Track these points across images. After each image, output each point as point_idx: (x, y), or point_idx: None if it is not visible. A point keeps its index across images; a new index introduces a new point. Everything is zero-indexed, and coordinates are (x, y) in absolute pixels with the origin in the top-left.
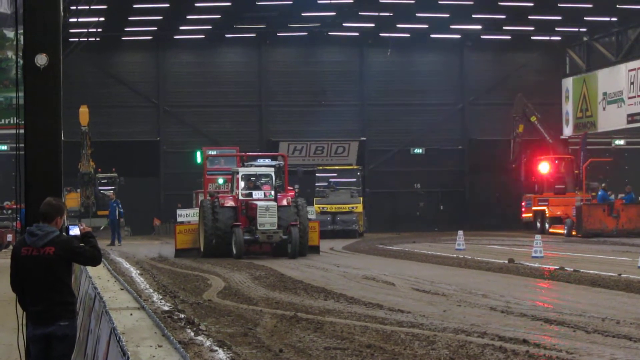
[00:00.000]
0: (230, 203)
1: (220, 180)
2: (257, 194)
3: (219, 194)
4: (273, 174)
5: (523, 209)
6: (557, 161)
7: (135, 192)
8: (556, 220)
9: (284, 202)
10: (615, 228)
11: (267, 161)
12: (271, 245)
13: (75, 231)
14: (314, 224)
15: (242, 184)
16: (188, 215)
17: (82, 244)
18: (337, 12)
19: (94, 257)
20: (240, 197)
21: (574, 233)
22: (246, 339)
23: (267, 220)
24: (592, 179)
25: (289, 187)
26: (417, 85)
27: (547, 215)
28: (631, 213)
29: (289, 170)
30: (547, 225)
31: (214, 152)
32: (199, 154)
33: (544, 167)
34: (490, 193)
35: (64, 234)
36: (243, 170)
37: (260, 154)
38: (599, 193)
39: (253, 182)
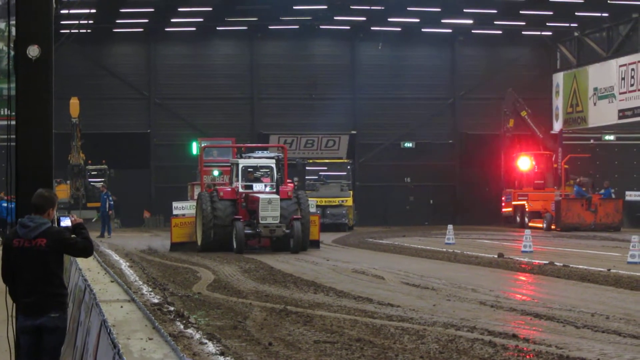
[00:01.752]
0: (229, 195)
1: (216, 172)
2: (257, 187)
3: (215, 186)
4: (274, 166)
5: (503, 204)
6: (533, 160)
7: (125, 185)
8: (535, 215)
9: (286, 195)
10: (592, 222)
11: (266, 153)
12: (271, 239)
13: (66, 222)
14: (315, 217)
15: (241, 175)
16: (184, 208)
17: (74, 235)
18: (328, 5)
19: (86, 249)
20: (240, 190)
21: (552, 227)
22: (236, 332)
23: (269, 213)
24: (583, 175)
25: (288, 180)
26: (408, 79)
27: (527, 209)
28: (608, 208)
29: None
30: (526, 220)
31: (205, 144)
32: (194, 144)
33: (524, 163)
34: (481, 187)
35: (55, 225)
36: (243, 162)
37: (259, 145)
38: (575, 188)
39: (253, 174)
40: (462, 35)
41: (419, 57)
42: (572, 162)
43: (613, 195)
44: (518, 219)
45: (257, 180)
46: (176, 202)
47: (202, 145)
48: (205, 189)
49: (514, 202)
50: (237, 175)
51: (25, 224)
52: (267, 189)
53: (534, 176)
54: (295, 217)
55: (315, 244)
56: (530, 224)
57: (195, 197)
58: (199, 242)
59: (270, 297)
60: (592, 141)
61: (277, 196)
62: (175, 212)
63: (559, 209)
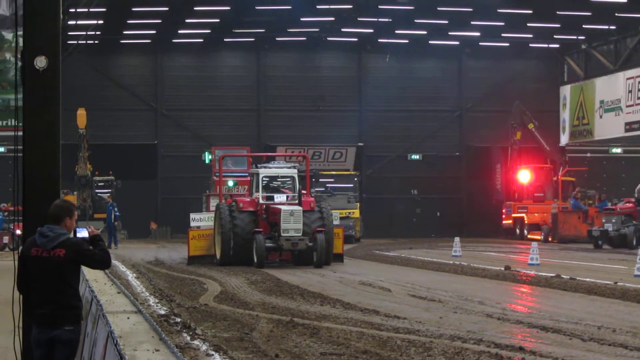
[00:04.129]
0: (249, 207)
1: (231, 183)
2: (278, 198)
3: (234, 197)
4: (296, 176)
5: (504, 216)
6: (533, 173)
7: (132, 196)
8: (534, 227)
9: (309, 207)
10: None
11: (282, 163)
12: (293, 253)
13: (83, 234)
14: (338, 230)
15: (262, 186)
16: (201, 220)
17: (91, 247)
18: (335, 17)
19: (104, 260)
20: (261, 201)
21: (550, 239)
22: (242, 343)
23: (291, 226)
24: (591, 187)
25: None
26: (415, 92)
27: (526, 222)
28: None
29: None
30: (525, 232)
31: (220, 153)
32: (207, 153)
33: (523, 176)
34: (487, 200)
35: (72, 236)
36: (264, 172)
37: (280, 154)
38: (572, 201)
39: (273, 185)
40: (469, 48)
41: (426, 70)
42: (579, 175)
43: None
44: (517, 231)
45: (278, 191)
46: (193, 213)
47: (220, 154)
48: (223, 199)
49: (513, 215)
50: (257, 186)
51: (45, 234)
52: (289, 200)
53: (533, 189)
54: (318, 229)
55: (339, 258)
56: (529, 236)
57: (212, 208)
58: (218, 256)
59: (276, 309)
60: (588, 154)
61: (300, 208)
62: (192, 223)
63: (555, 221)
